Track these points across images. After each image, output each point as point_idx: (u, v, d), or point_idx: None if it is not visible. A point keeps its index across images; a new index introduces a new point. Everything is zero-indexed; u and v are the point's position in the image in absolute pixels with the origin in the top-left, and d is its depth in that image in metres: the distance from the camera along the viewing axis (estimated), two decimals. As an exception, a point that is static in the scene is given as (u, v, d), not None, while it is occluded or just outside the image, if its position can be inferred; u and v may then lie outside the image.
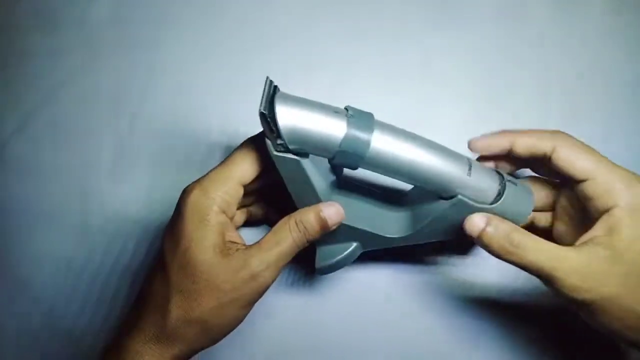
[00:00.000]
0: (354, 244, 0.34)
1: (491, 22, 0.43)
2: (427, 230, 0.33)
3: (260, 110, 0.27)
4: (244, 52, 0.42)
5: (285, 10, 0.43)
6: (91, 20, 0.42)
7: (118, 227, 0.40)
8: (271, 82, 0.28)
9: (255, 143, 0.31)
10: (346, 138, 0.28)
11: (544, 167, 0.33)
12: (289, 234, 0.31)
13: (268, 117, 0.27)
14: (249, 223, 0.37)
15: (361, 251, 0.35)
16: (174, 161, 0.41)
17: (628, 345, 0.31)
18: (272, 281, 0.31)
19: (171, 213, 0.38)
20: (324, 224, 0.31)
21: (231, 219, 0.32)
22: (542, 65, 0.43)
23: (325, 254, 0.34)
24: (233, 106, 0.42)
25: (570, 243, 0.31)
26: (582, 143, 0.31)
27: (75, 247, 0.40)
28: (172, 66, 0.42)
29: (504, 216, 0.31)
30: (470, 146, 0.33)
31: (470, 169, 0.30)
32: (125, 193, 0.41)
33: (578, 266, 0.28)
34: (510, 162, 0.33)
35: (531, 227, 0.35)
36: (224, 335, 0.31)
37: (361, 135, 0.28)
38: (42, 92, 0.42)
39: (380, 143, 0.28)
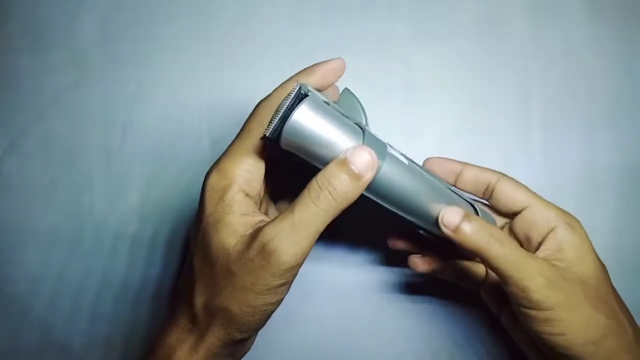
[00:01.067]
0: None
1: (474, 34, 0.44)
2: None
3: (265, 134, 0.26)
4: (230, 66, 0.43)
5: (271, 23, 0.44)
6: (78, 40, 0.43)
7: (111, 242, 0.41)
8: (299, 89, 0.26)
9: (267, 109, 0.28)
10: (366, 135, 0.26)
11: (486, 199, 0.35)
12: (308, 197, 0.25)
13: (272, 138, 0.25)
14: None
15: None
16: (165, 175, 0.42)
17: None
18: (292, 258, 0.25)
19: (164, 226, 0.39)
20: (353, 174, 0.25)
21: (257, 195, 0.29)
22: (523, 76, 0.44)
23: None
24: (221, 118, 0.43)
25: None
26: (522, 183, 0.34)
27: (69, 264, 0.41)
28: (159, 81, 0.43)
29: None
30: (425, 163, 0.36)
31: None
32: (117, 208, 0.42)
33: (541, 271, 0.29)
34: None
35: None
36: (253, 326, 0.27)
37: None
38: (32, 111, 0.42)
39: (387, 174, 0.27)
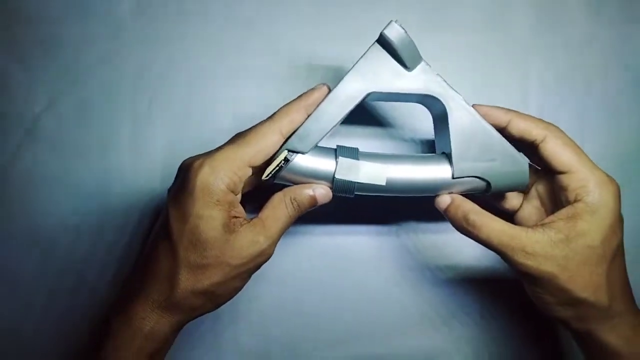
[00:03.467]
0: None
1: (479, 26, 0.47)
2: None
3: (263, 177, 0.34)
4: (252, 49, 0.47)
5: (290, 11, 0.47)
6: (116, 14, 0.47)
7: (135, 198, 0.45)
8: (286, 157, 0.34)
9: (269, 128, 0.33)
10: (335, 182, 0.34)
11: (530, 152, 0.36)
12: (286, 210, 0.34)
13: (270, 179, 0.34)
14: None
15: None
16: (186, 141, 0.46)
17: (557, 320, 0.35)
18: (272, 252, 0.34)
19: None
20: (314, 203, 0.35)
21: (239, 194, 0.34)
22: (524, 68, 0.47)
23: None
24: (241, 94, 0.46)
25: (532, 224, 0.35)
26: (570, 139, 0.35)
27: (97, 215, 0.45)
28: (187, 57, 0.46)
29: (504, 191, 0.37)
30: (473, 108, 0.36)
31: (453, 174, 0.35)
32: (142, 167, 0.45)
33: (525, 245, 0.32)
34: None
35: (499, 204, 0.40)
36: (226, 302, 0.34)
37: (348, 181, 0.34)
38: (70, 76, 0.46)
39: (366, 178, 0.34)
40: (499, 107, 0.36)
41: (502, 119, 0.36)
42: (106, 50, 0.46)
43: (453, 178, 0.35)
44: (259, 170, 0.35)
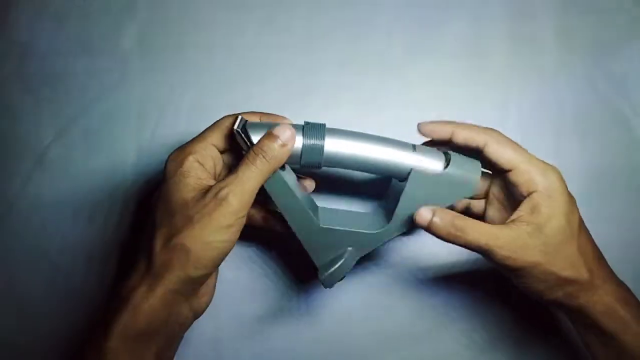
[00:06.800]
0: (349, 249, 0.39)
1: (460, 55, 0.50)
2: (401, 217, 0.38)
3: (235, 129, 0.34)
4: (248, 78, 0.49)
5: (284, 42, 0.50)
6: (121, 47, 0.49)
7: (139, 222, 0.47)
8: (243, 120, 0.36)
9: (228, 121, 0.36)
10: (304, 148, 0.35)
11: (478, 157, 0.38)
12: (248, 162, 0.34)
13: (243, 134, 0.35)
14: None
15: (358, 256, 0.39)
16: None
17: (548, 303, 0.38)
18: (241, 207, 0.33)
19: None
20: (280, 143, 0.34)
21: (211, 168, 0.36)
22: (502, 95, 0.50)
23: (326, 266, 0.38)
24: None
25: (499, 224, 0.37)
26: (509, 139, 0.37)
27: (101, 238, 0.47)
28: (189, 87, 0.49)
29: (458, 180, 0.37)
30: (418, 128, 0.39)
31: (414, 149, 0.37)
32: (145, 193, 0.48)
33: (507, 241, 0.34)
34: (450, 149, 0.39)
35: (467, 213, 0.42)
36: (206, 262, 0.33)
37: (315, 144, 0.35)
38: (78, 106, 0.48)
39: (333, 146, 0.36)
40: (440, 120, 0.38)
41: (446, 131, 0.38)
42: (111, 82, 0.49)
43: (414, 150, 0.37)
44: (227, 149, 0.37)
